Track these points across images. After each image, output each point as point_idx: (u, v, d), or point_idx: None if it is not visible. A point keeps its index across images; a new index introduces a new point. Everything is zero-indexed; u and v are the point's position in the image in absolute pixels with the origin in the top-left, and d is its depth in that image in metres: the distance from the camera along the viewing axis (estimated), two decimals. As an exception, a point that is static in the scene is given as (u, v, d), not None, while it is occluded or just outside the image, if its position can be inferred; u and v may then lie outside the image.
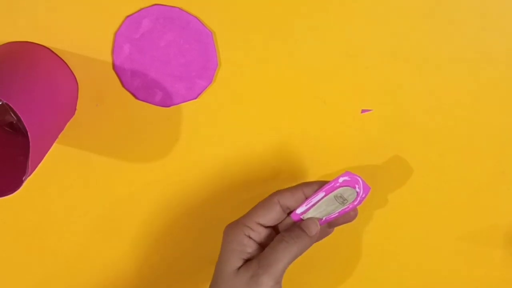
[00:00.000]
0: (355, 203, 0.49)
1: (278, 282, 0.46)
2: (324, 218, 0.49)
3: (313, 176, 0.55)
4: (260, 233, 0.48)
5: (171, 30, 0.51)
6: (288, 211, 0.49)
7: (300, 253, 0.47)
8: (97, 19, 0.51)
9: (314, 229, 0.48)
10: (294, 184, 0.55)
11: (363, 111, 0.53)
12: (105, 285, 0.58)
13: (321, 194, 0.48)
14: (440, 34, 0.51)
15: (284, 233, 0.47)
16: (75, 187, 0.55)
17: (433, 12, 0.50)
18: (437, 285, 0.57)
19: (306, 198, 0.48)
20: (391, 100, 0.53)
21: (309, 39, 0.51)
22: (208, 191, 0.52)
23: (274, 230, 0.49)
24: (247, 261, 0.47)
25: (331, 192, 0.48)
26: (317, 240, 0.49)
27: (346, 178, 0.48)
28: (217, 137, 0.54)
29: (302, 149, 0.54)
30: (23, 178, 0.43)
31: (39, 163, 0.46)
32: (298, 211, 0.48)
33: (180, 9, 0.50)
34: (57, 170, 0.54)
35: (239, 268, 0.46)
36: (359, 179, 0.48)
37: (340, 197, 0.48)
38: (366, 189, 0.48)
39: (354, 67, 0.52)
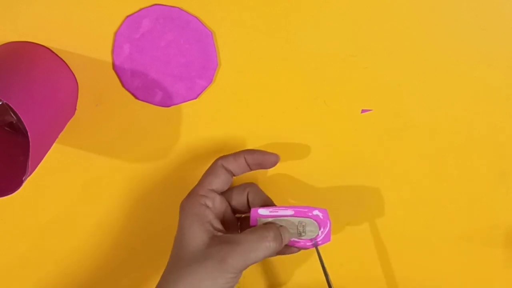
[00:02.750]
0: (308, 244, 0.49)
1: (241, 272, 0.46)
2: None
3: (313, 175, 0.55)
4: (214, 200, 0.48)
5: (171, 30, 0.51)
6: (232, 175, 0.49)
7: (270, 256, 0.47)
8: (97, 19, 0.51)
9: (286, 240, 0.48)
10: (295, 185, 0.55)
11: (363, 111, 0.53)
12: (105, 284, 0.58)
13: (290, 211, 0.48)
14: (440, 34, 0.51)
15: (268, 230, 0.47)
16: (75, 187, 0.55)
17: (433, 12, 0.50)
18: (438, 285, 0.57)
19: (275, 206, 0.49)
20: (391, 100, 0.53)
21: (309, 39, 0.51)
22: (208, 191, 0.52)
23: (227, 200, 0.50)
24: (212, 238, 0.46)
25: (299, 216, 0.48)
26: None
27: (320, 214, 0.48)
28: (217, 137, 0.54)
29: (302, 149, 0.54)
30: (23, 178, 0.43)
31: (39, 163, 0.46)
32: (260, 211, 0.48)
33: (180, 9, 0.50)
34: (57, 170, 0.54)
35: (208, 245, 0.46)
36: (328, 223, 0.48)
37: (303, 226, 0.48)
38: (327, 238, 0.49)
39: (354, 67, 0.52)
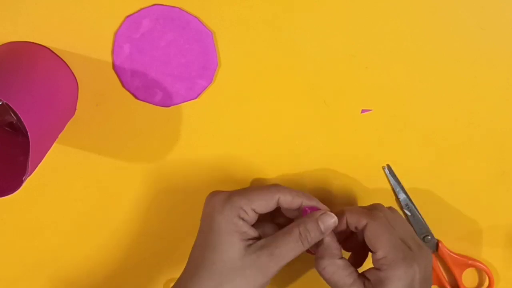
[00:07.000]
0: None
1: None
2: None
3: (313, 175, 0.55)
4: (252, 218, 0.48)
5: (171, 30, 0.51)
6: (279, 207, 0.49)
7: (306, 248, 0.48)
8: (97, 19, 0.51)
9: (331, 225, 0.48)
10: (294, 185, 0.55)
11: (363, 111, 0.53)
12: (105, 284, 0.58)
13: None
14: (440, 34, 0.51)
15: (300, 227, 0.47)
16: (75, 187, 0.55)
17: (433, 12, 0.50)
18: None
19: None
20: (391, 100, 0.53)
21: (309, 39, 0.51)
22: (208, 191, 0.52)
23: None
24: (248, 246, 0.47)
25: None
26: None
27: None
28: (217, 137, 0.54)
29: (302, 149, 0.54)
30: (23, 178, 0.43)
31: (39, 163, 0.46)
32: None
33: (180, 9, 0.50)
34: (57, 170, 0.54)
35: (245, 253, 0.46)
36: None
37: None
38: None
39: (354, 67, 0.52)
